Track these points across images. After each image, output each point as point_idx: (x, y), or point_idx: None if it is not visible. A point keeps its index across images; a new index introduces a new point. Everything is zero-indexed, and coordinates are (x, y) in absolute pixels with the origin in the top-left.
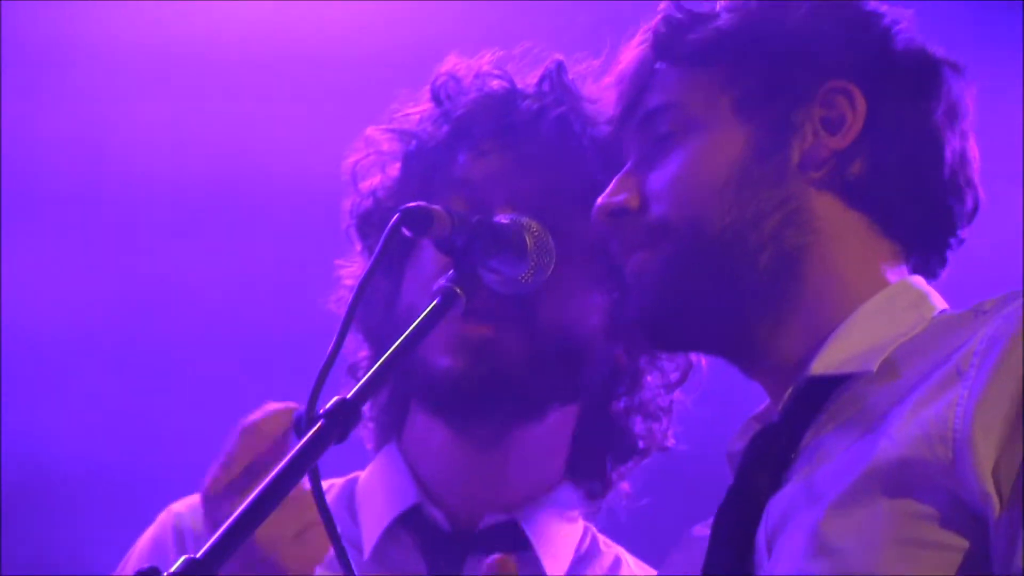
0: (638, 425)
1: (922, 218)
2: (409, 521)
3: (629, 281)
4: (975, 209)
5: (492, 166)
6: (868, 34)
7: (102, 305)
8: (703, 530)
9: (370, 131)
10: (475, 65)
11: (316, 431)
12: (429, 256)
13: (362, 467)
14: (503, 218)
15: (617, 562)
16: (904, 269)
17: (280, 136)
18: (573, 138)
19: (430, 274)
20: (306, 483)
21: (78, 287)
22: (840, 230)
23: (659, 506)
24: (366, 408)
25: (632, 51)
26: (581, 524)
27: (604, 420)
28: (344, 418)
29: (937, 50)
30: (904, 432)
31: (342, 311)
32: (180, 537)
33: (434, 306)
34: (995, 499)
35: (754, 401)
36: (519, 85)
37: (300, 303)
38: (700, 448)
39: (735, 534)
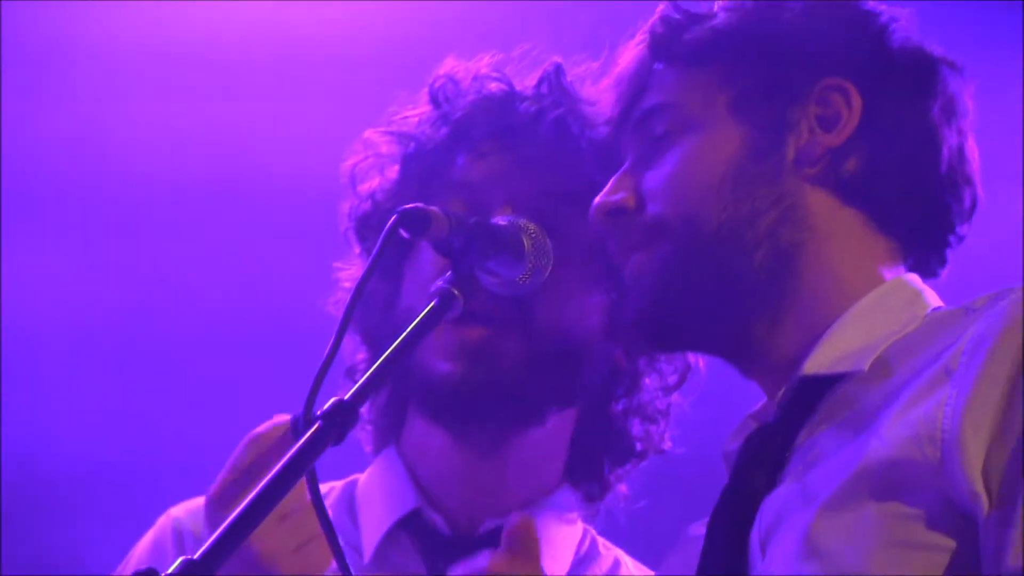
0: (636, 427)
1: (918, 215)
2: (409, 525)
3: (627, 283)
4: (974, 207)
5: (491, 168)
6: (864, 32)
7: (102, 305)
8: (700, 529)
9: (368, 134)
10: (473, 67)
11: (313, 432)
12: (428, 258)
13: (361, 469)
14: (501, 220)
15: (616, 564)
16: (901, 267)
17: (279, 136)
18: (571, 140)
19: (428, 276)
20: (306, 493)
21: (78, 287)
22: (835, 227)
23: (657, 508)
24: (364, 410)
25: (630, 52)
26: (580, 526)
27: (602, 422)
28: (341, 420)
29: (934, 48)
30: (894, 432)
31: (340, 313)
32: (180, 540)
33: (431, 308)
34: (984, 499)
35: (752, 403)
36: (517, 87)
37: (299, 304)
38: (698, 450)
39: (729, 534)
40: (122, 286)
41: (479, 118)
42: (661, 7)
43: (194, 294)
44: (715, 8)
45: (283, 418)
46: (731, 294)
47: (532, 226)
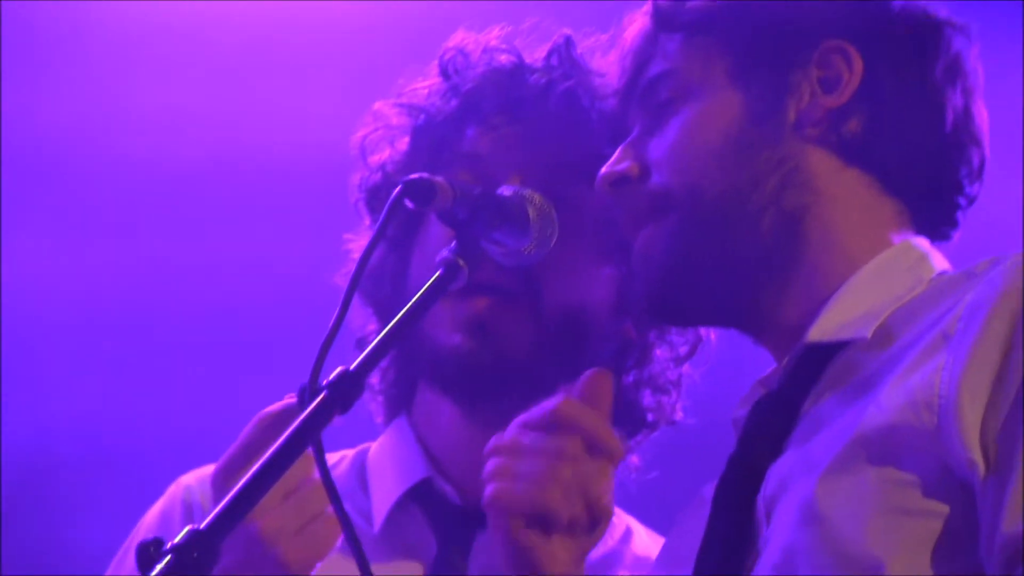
0: (647, 399)
1: (923, 175)
2: (419, 494)
3: (636, 258)
4: (983, 166)
5: (500, 140)
6: None
7: (103, 292)
8: (711, 491)
9: (379, 105)
10: (483, 40)
11: (319, 402)
12: (436, 232)
13: (374, 438)
14: (506, 190)
15: (628, 533)
16: (909, 230)
17: (282, 117)
18: (581, 112)
19: (436, 248)
20: (312, 470)
21: (79, 274)
22: (839, 190)
23: (668, 479)
24: (375, 381)
25: (635, 23)
26: None
27: (613, 394)
28: (347, 389)
29: (938, 9)
30: (892, 399)
31: (347, 283)
32: (188, 510)
33: (437, 277)
34: (981, 464)
35: (763, 372)
36: (527, 60)
37: (303, 287)
38: (709, 420)
39: (735, 501)
40: (124, 272)
41: (489, 90)
42: None
43: (197, 280)
44: None
45: (292, 398)
46: (738, 263)
47: (537, 196)
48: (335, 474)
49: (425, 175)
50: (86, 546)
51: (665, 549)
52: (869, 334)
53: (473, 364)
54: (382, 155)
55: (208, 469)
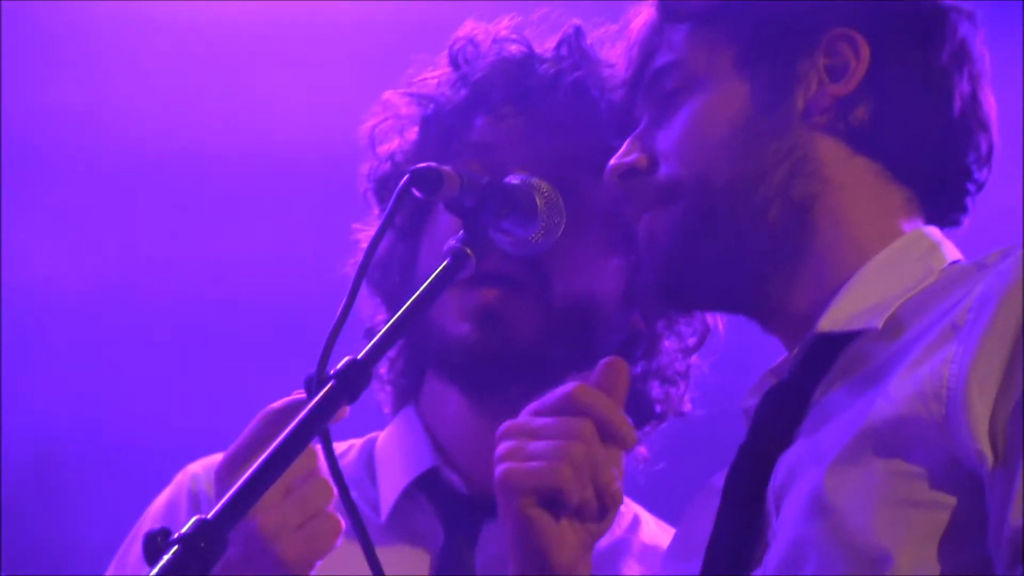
0: (655, 390)
1: (932, 162)
2: (426, 484)
3: (641, 242)
4: (990, 152)
5: (509, 130)
6: None
7: (106, 283)
8: (722, 480)
9: (388, 95)
10: (493, 30)
11: (327, 391)
12: (445, 221)
13: (381, 428)
14: (513, 179)
15: (636, 521)
16: (919, 218)
17: (290, 106)
18: (590, 102)
19: (445, 238)
20: (315, 465)
21: (81, 263)
22: (849, 179)
23: (676, 470)
24: (383, 371)
25: (641, 14)
26: None
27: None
28: (355, 379)
29: None
30: (901, 390)
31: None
32: (195, 499)
33: (444, 266)
34: (989, 456)
35: (771, 364)
36: (537, 50)
37: (308, 279)
38: (717, 412)
39: (745, 491)
40: (127, 264)
41: (498, 80)
42: None
43: (201, 272)
44: None
45: (299, 395)
46: (745, 252)
47: (545, 185)
48: (343, 463)
49: (432, 164)
50: (88, 541)
51: (676, 540)
52: (880, 324)
53: (481, 354)
54: (391, 145)
55: (215, 458)
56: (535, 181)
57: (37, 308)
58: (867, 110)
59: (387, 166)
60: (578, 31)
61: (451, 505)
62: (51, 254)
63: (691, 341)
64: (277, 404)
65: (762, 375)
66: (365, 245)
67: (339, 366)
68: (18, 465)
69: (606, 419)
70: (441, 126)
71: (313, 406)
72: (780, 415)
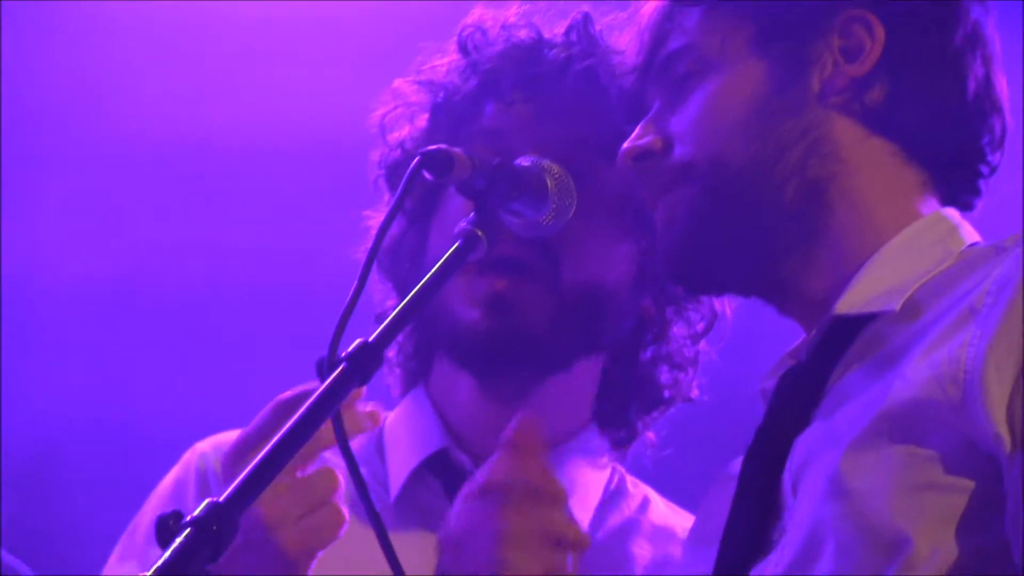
0: (664, 375)
1: (946, 142)
2: (436, 464)
3: (658, 225)
4: (1003, 135)
5: (519, 116)
6: None
7: (108, 273)
8: (738, 467)
9: (398, 83)
10: (502, 16)
11: (338, 374)
12: (455, 206)
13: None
14: (524, 161)
15: (645, 502)
16: (933, 199)
17: (298, 92)
18: (599, 88)
19: (455, 223)
20: (320, 455)
21: (82, 256)
22: (864, 160)
23: (683, 456)
24: (392, 354)
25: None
26: (608, 467)
27: (630, 370)
28: (366, 361)
29: None
30: (918, 373)
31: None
32: (203, 478)
33: (455, 248)
34: (1007, 439)
35: (782, 349)
36: (546, 36)
37: (311, 269)
38: (725, 398)
39: (762, 474)
40: (129, 255)
41: (507, 67)
42: None
43: (206, 261)
44: None
45: (310, 386)
46: (762, 233)
47: (555, 167)
48: (352, 443)
49: (443, 146)
50: (87, 539)
51: (695, 526)
52: (897, 307)
53: (491, 340)
54: (401, 132)
55: (224, 436)
56: (546, 163)
57: (37, 300)
58: (883, 91)
59: (397, 153)
60: (586, 18)
61: (460, 485)
62: (50, 249)
63: (700, 327)
64: (288, 393)
65: (780, 357)
66: (375, 231)
67: (350, 348)
68: (17, 461)
69: (528, 488)
70: (451, 113)
71: (324, 389)
72: (797, 397)
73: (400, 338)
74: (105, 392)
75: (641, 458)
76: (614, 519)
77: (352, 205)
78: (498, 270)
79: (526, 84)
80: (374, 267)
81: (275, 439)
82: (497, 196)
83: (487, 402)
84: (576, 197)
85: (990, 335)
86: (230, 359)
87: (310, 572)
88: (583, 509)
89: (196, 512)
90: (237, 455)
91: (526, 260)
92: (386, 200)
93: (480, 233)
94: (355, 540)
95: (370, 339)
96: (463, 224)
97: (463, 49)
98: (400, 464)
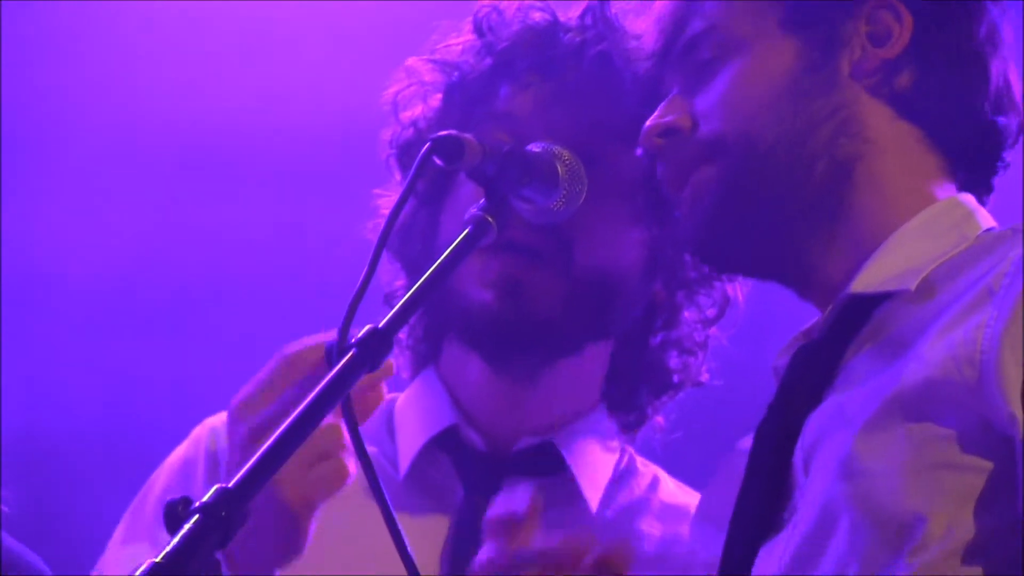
0: (673, 360)
1: (969, 132)
2: (446, 442)
3: (685, 204)
4: (1019, 133)
5: (533, 99)
6: None
7: (109, 262)
8: (749, 443)
9: (412, 61)
10: None
11: (348, 360)
12: (467, 190)
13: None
14: (535, 147)
15: (655, 481)
16: (952, 186)
17: (307, 74)
18: (614, 72)
19: (466, 207)
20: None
21: (82, 242)
22: (890, 142)
23: (693, 440)
24: (402, 337)
25: None
26: (618, 447)
27: (640, 354)
28: (376, 347)
29: None
30: (933, 353)
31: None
32: (213, 458)
33: (465, 234)
34: (1022, 420)
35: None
36: (561, 18)
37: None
38: (735, 382)
39: (773, 450)
40: (128, 239)
41: (523, 48)
42: None
43: (209, 246)
44: None
45: (316, 339)
46: (788, 210)
47: (566, 153)
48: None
49: (453, 132)
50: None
51: (703, 502)
52: (913, 287)
53: (502, 321)
54: (414, 111)
55: None
56: (556, 149)
57: (36, 297)
58: (911, 76)
59: (410, 132)
60: (602, 1)
61: (470, 463)
62: (49, 242)
63: (710, 312)
64: (293, 346)
65: (794, 336)
66: (386, 212)
67: (360, 334)
68: (17, 450)
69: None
70: (465, 94)
71: (334, 375)
72: (810, 375)
73: (411, 320)
74: (105, 386)
75: (650, 442)
76: (624, 497)
77: (352, 204)
78: (509, 253)
79: (541, 67)
80: (384, 249)
81: (283, 427)
82: (508, 182)
83: (497, 382)
84: (587, 183)
85: (1007, 316)
86: (232, 352)
87: (311, 526)
88: (593, 488)
89: (205, 498)
90: (242, 410)
91: (537, 246)
92: (397, 180)
93: (490, 219)
94: (362, 517)
95: (380, 325)
96: (473, 210)
97: (478, 30)
98: (410, 442)
